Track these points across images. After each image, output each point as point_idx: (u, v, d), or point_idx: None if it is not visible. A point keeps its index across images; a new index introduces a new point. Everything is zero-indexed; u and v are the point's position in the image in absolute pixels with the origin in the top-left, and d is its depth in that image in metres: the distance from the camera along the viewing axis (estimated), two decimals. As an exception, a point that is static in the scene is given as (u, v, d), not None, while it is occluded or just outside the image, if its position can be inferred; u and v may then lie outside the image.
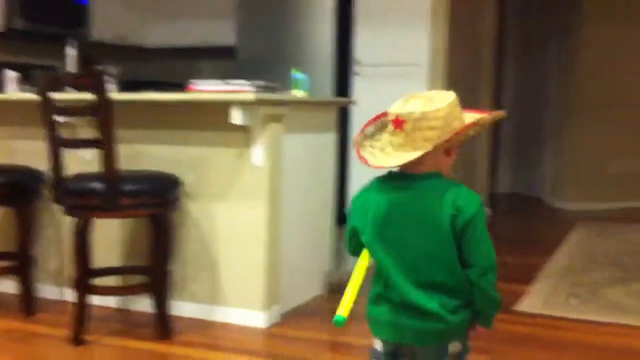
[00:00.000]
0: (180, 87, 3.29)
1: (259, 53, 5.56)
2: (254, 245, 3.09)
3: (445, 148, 1.62)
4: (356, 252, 1.72)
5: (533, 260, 4.45)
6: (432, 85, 5.32)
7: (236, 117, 2.94)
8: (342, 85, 5.51)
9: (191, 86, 3.17)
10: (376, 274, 1.68)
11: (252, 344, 2.90)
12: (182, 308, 3.19)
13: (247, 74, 4.75)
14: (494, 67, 6.52)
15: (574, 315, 3.29)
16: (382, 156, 1.65)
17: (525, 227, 6.18)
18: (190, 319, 3.15)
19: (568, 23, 7.13)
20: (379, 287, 1.68)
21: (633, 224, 5.79)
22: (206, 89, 3.11)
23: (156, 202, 2.92)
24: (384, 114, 1.70)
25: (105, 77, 2.82)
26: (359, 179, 5.43)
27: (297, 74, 3.50)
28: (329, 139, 3.66)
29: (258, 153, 3.06)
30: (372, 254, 1.66)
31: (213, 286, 3.17)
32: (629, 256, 4.59)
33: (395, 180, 1.66)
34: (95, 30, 5.76)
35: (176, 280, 3.19)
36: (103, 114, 2.76)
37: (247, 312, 3.09)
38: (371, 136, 1.73)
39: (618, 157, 6.87)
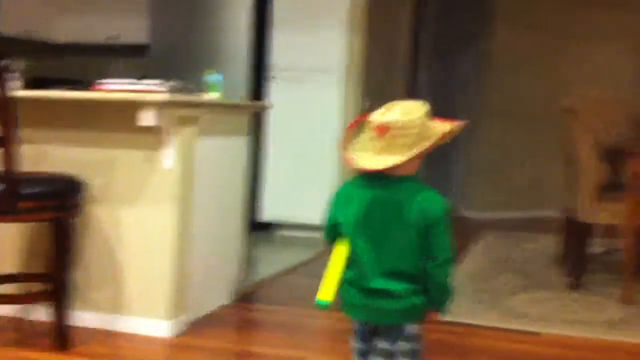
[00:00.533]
0: (90, 85, 3.18)
1: (173, 53, 5.45)
2: (161, 252, 3.00)
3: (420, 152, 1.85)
4: (333, 241, 1.94)
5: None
6: (348, 91, 5.34)
7: (147, 118, 2.85)
8: (258, 89, 5.46)
9: (100, 85, 3.06)
10: (350, 262, 1.88)
11: (156, 355, 2.82)
12: (83, 317, 3.06)
13: (160, 74, 4.65)
14: (409, 73, 6.60)
15: (479, 322, 3.34)
16: (366, 159, 1.85)
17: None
18: (92, 329, 3.04)
19: (480, 30, 7.29)
20: (352, 273, 1.88)
21: (535, 232, 5.96)
22: (116, 88, 3.01)
23: (58, 206, 2.80)
24: (361, 120, 1.92)
25: (8, 73, 2.68)
26: (271, 184, 5.42)
27: (211, 76, 3.44)
28: (243, 143, 3.61)
29: (169, 156, 2.98)
30: (352, 244, 1.88)
31: (117, 295, 3.06)
32: (531, 264, 4.72)
33: (376, 180, 1.87)
34: (2, 23, 5.52)
35: (78, 288, 3.07)
36: (4, 111, 2.63)
37: (151, 322, 3.01)
38: (353, 141, 1.90)
39: (523, 166, 7.06)
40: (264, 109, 4.48)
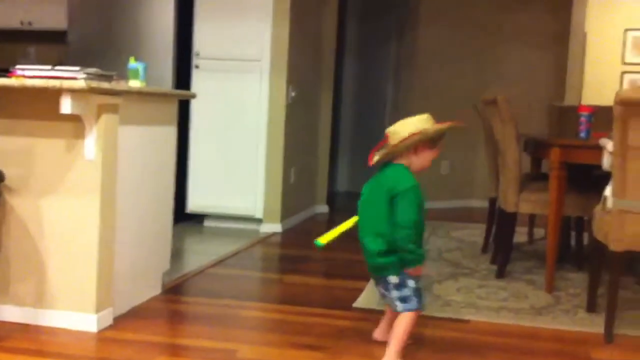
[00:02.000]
0: (5, 72, 3.03)
1: (93, 39, 5.28)
2: (85, 244, 2.90)
3: (413, 148, 2.62)
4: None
5: (370, 257, 4.54)
6: (273, 81, 5.30)
7: (66, 105, 2.74)
8: (183, 78, 5.36)
9: (15, 71, 2.91)
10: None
11: (82, 349, 2.72)
12: (4, 312, 2.94)
13: (80, 61, 4.50)
14: (334, 64, 6.61)
15: (409, 311, 3.37)
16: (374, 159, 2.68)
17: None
18: (14, 324, 2.91)
19: (404, 25, 7.37)
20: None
21: (462, 222, 6.07)
22: (32, 75, 2.87)
23: (-26, 197, 2.66)
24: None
25: None
26: (197, 174, 5.34)
27: (133, 64, 3.34)
28: (169, 132, 3.52)
29: (90, 145, 2.87)
30: (359, 212, 2.73)
31: (39, 288, 2.94)
32: (458, 253, 4.81)
33: (379, 172, 2.70)
34: None
35: (-3, 282, 2.94)
36: None
37: (77, 316, 2.90)
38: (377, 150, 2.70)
39: (449, 158, 7.20)
40: (188, 97, 4.36)
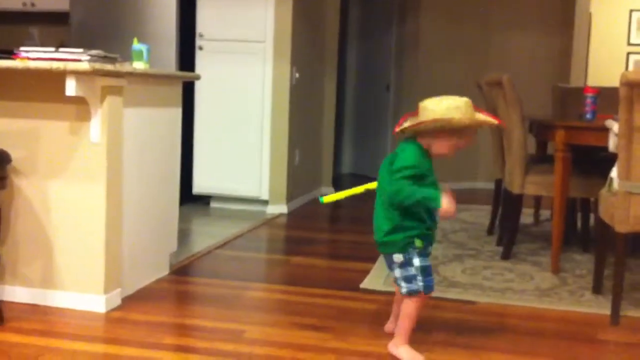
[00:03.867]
0: (8, 54, 3.02)
1: (95, 21, 5.25)
2: (92, 225, 2.91)
3: (415, 130, 2.51)
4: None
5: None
6: (276, 63, 5.29)
7: (70, 87, 2.73)
8: (187, 59, 5.34)
9: (19, 53, 2.91)
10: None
11: (91, 330, 2.74)
12: (14, 293, 2.96)
13: (82, 43, 4.48)
14: (337, 47, 6.59)
15: (415, 292, 3.38)
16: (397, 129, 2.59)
17: (368, 207, 6.30)
18: (24, 305, 2.93)
19: (407, 9, 7.34)
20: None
21: (467, 204, 6.07)
22: (35, 57, 2.86)
23: (-18, 179, 2.67)
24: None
25: None
26: (203, 156, 5.34)
27: (137, 45, 3.33)
28: (174, 114, 3.52)
29: (95, 128, 2.87)
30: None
31: (48, 269, 2.95)
32: (464, 234, 4.81)
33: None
34: None
35: (6, 264, 2.95)
36: None
37: (85, 297, 2.92)
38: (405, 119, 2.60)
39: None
40: (192, 79, 4.35)
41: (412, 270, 2.54)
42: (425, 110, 2.49)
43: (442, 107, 2.46)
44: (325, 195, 2.64)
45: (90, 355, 2.52)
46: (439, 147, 2.53)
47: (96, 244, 2.91)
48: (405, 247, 2.53)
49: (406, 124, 2.52)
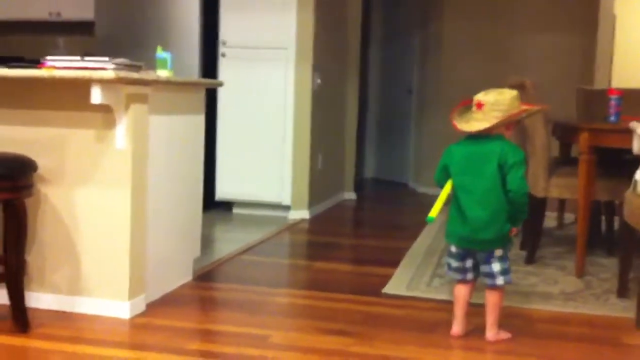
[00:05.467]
0: (35, 63, 3.07)
1: (120, 29, 5.32)
2: (117, 232, 2.94)
3: (505, 124, 2.68)
4: (441, 182, 2.78)
5: (398, 244, 4.55)
6: (299, 69, 5.31)
7: (95, 96, 2.77)
8: (209, 66, 5.39)
9: (46, 62, 2.95)
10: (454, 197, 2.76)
11: (116, 335, 2.77)
12: (40, 300, 3.00)
13: (107, 52, 4.53)
14: (360, 52, 6.60)
15: (438, 296, 3.38)
16: (466, 125, 2.69)
17: (390, 212, 6.33)
18: (50, 311, 2.97)
19: (430, 12, 7.33)
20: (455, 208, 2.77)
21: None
22: (61, 66, 2.91)
23: (8, 187, 2.70)
24: (469, 101, 2.72)
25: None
26: (225, 162, 5.37)
27: (161, 53, 3.36)
28: (197, 121, 3.55)
29: (121, 135, 2.91)
30: (456, 181, 2.72)
31: (74, 276, 2.99)
32: (486, 238, 4.78)
33: (473, 139, 2.72)
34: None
35: (33, 271, 2.99)
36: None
37: (110, 303, 2.95)
38: (459, 114, 2.74)
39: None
40: (215, 86, 4.39)
41: (508, 263, 2.76)
42: (498, 104, 2.65)
43: (506, 98, 2.67)
44: (429, 214, 2.65)
45: (116, 361, 2.55)
46: (509, 133, 2.75)
47: (121, 251, 2.94)
48: (507, 241, 2.74)
49: (490, 120, 2.64)
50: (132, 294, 2.97)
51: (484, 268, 2.76)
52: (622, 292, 3.42)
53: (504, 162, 2.64)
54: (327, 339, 2.79)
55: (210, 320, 3.08)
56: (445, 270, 3.00)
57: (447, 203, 2.74)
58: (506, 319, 2.95)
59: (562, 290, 3.54)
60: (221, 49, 5.39)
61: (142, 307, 3.03)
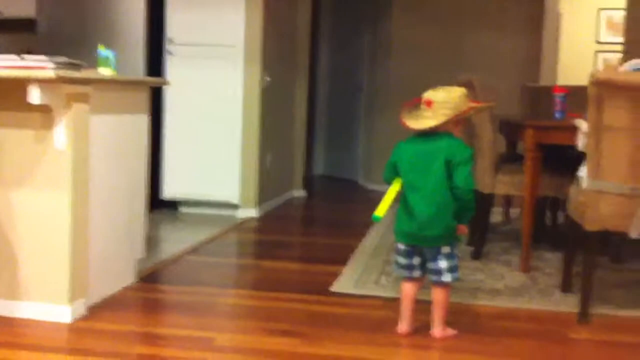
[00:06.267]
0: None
1: (62, 28, 5.19)
2: (57, 234, 2.86)
3: (453, 121, 2.69)
4: (390, 180, 2.79)
5: (347, 241, 4.54)
6: (247, 67, 5.26)
7: (34, 96, 2.69)
8: (155, 65, 5.29)
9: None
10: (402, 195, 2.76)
11: (57, 341, 2.69)
12: (-24, 305, 2.90)
13: (49, 50, 4.41)
14: (309, 50, 6.57)
15: (386, 294, 3.37)
16: (415, 123, 2.71)
17: (340, 209, 6.33)
18: (-13, 316, 2.88)
19: (379, 12, 7.34)
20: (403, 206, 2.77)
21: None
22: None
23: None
24: (419, 99, 2.74)
25: None
26: (172, 162, 5.29)
27: (103, 51, 3.28)
28: (141, 121, 3.48)
29: (60, 136, 2.83)
30: (404, 178, 2.73)
31: (12, 280, 2.90)
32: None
33: (421, 137, 2.73)
34: None
35: (-32, 275, 2.89)
36: None
37: (51, 307, 2.86)
38: (409, 112, 2.75)
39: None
40: (160, 85, 4.33)
41: (456, 261, 2.76)
42: (446, 103, 2.67)
43: (455, 96, 2.70)
44: (375, 212, 2.65)
45: (55, 367, 2.48)
46: (458, 129, 2.77)
47: (61, 253, 2.86)
48: (454, 238, 2.75)
49: (439, 118, 2.66)
50: (73, 297, 2.89)
51: (431, 265, 2.75)
52: (567, 286, 3.46)
53: (451, 159, 2.65)
54: (274, 340, 2.76)
55: (154, 324, 3.01)
56: (393, 268, 2.98)
57: (395, 201, 2.73)
58: (453, 316, 2.96)
59: (508, 285, 3.58)
60: (168, 47, 5.30)
61: (83, 311, 2.95)
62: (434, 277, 2.77)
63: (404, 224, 2.75)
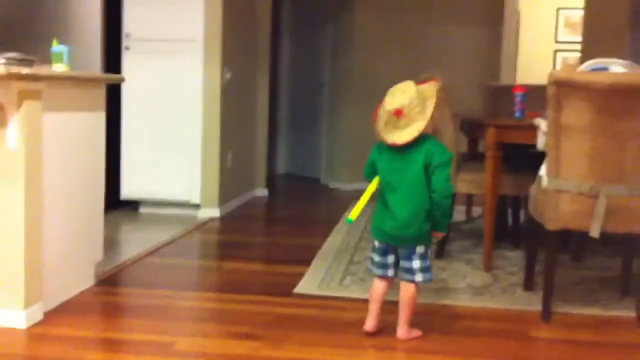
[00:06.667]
0: None
1: (15, 21, 5.04)
2: (10, 237, 2.76)
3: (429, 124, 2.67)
4: (370, 177, 2.79)
5: (310, 241, 4.50)
6: (207, 62, 5.19)
7: (-16, 93, 2.60)
8: (113, 61, 5.19)
9: None
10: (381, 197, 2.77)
11: (11, 347, 2.60)
12: None
13: (3, 45, 4.28)
14: (270, 45, 6.52)
15: (349, 295, 3.35)
16: (392, 137, 2.66)
17: (303, 208, 6.29)
18: None
19: (341, 5, 7.30)
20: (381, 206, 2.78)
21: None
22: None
23: None
24: (378, 108, 2.69)
25: None
26: (131, 161, 5.19)
27: (57, 47, 3.19)
28: (97, 118, 3.39)
29: (12, 134, 2.73)
30: (382, 178, 2.74)
31: (-38, 285, 2.80)
32: (397, 233, 4.79)
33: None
34: None
35: None
36: None
37: (5, 312, 2.77)
38: (384, 125, 2.67)
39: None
40: (116, 81, 4.23)
41: (428, 262, 2.76)
42: (411, 102, 2.61)
43: (414, 94, 2.63)
44: (348, 215, 2.74)
45: (9, 375, 2.39)
46: (430, 124, 2.69)
47: (15, 257, 2.77)
48: (429, 239, 2.74)
49: (417, 126, 2.63)
50: (28, 302, 2.80)
51: (404, 264, 2.75)
52: (529, 285, 3.48)
53: (430, 162, 2.64)
54: (235, 343, 2.71)
55: (112, 328, 2.94)
56: (367, 264, 3.01)
57: (371, 200, 2.73)
58: (416, 317, 2.94)
59: (471, 284, 3.58)
60: (125, 42, 5.20)
61: (39, 316, 2.86)
62: (406, 276, 2.76)
63: (381, 223, 2.74)
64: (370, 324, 2.82)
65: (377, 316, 2.81)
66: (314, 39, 7.85)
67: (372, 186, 2.75)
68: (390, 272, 2.80)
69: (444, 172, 2.65)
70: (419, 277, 2.74)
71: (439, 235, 2.77)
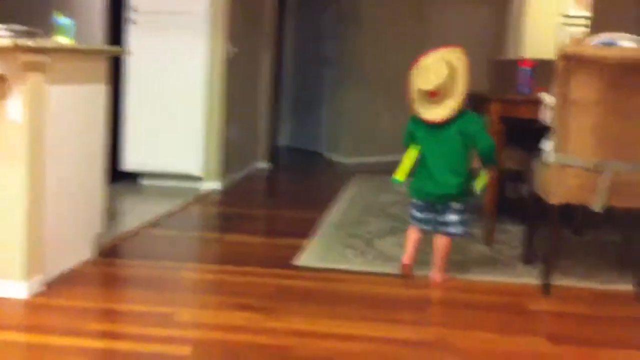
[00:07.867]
0: None
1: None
2: (12, 209, 2.77)
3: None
4: (408, 146, 3.17)
5: (312, 214, 4.50)
6: (212, 36, 5.16)
7: (-12, 65, 2.59)
8: (116, 33, 5.16)
9: None
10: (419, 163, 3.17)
11: (13, 318, 2.62)
12: None
13: (2, 18, 4.27)
14: (275, 20, 6.48)
15: (350, 267, 3.36)
16: (430, 113, 3.05)
17: (305, 181, 6.29)
18: (-62, 294, 2.80)
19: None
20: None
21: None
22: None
23: None
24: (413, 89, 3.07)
25: None
26: (134, 133, 5.19)
27: (60, 19, 3.18)
28: (100, 91, 3.38)
29: (16, 106, 2.73)
30: (422, 147, 3.12)
31: (-36, 255, 2.81)
32: (397, 206, 4.80)
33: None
34: None
35: None
36: None
37: (6, 283, 2.78)
38: (419, 100, 3.05)
39: (388, 114, 7.16)
40: (120, 54, 4.21)
41: (466, 216, 3.15)
42: (450, 80, 3.00)
43: (445, 72, 3.01)
44: (395, 175, 3.16)
45: (11, 344, 2.41)
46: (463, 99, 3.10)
47: (17, 228, 2.78)
48: (464, 197, 3.12)
49: (450, 104, 3.02)
50: (30, 273, 2.82)
51: (440, 218, 3.14)
52: (529, 259, 3.48)
53: (466, 130, 3.04)
54: (236, 314, 2.73)
55: (113, 299, 2.96)
56: (409, 219, 3.26)
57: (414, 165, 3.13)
58: (417, 289, 2.97)
59: (471, 258, 3.59)
60: (132, 16, 5.16)
61: (40, 287, 2.88)
62: (443, 228, 3.14)
63: (424, 185, 3.12)
64: (406, 258, 3.21)
65: (413, 254, 3.21)
66: (319, 15, 7.79)
67: (412, 152, 3.12)
68: (428, 227, 3.18)
69: (484, 134, 3.10)
70: (454, 229, 3.12)
71: (492, 169, 3.30)
